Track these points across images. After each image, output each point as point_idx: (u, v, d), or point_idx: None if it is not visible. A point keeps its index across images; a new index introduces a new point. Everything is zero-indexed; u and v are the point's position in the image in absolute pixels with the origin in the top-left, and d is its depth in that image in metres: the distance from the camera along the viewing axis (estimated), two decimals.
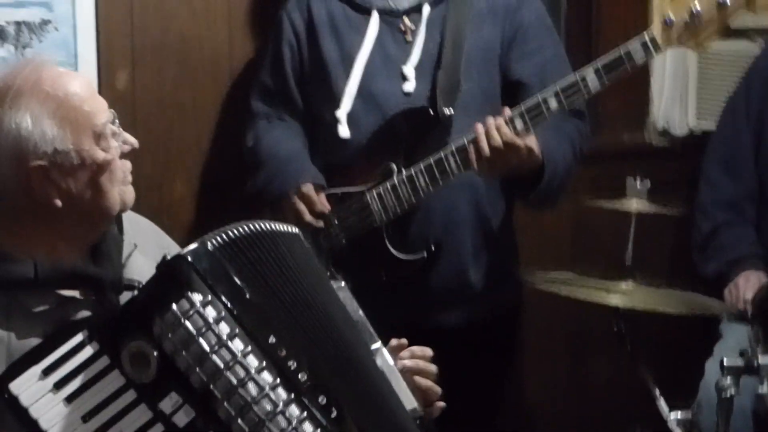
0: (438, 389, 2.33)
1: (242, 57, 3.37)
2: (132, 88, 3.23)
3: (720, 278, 3.46)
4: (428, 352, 2.35)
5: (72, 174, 2.12)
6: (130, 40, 3.22)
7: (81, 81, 2.20)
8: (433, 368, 2.34)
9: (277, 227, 2.20)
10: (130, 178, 2.23)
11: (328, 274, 2.31)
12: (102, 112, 2.17)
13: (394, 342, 2.35)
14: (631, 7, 3.62)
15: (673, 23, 2.79)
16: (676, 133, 3.89)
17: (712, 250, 3.50)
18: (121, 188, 2.19)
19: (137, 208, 2.31)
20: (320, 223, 2.98)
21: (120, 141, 2.19)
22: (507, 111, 2.85)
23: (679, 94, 3.87)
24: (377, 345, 2.29)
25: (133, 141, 2.22)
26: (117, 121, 2.21)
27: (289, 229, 2.24)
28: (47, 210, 2.13)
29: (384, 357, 2.29)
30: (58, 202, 2.11)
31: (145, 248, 2.27)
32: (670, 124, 3.89)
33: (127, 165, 2.22)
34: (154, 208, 2.66)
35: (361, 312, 2.31)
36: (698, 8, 2.76)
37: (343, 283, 2.32)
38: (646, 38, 2.80)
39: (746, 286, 3.36)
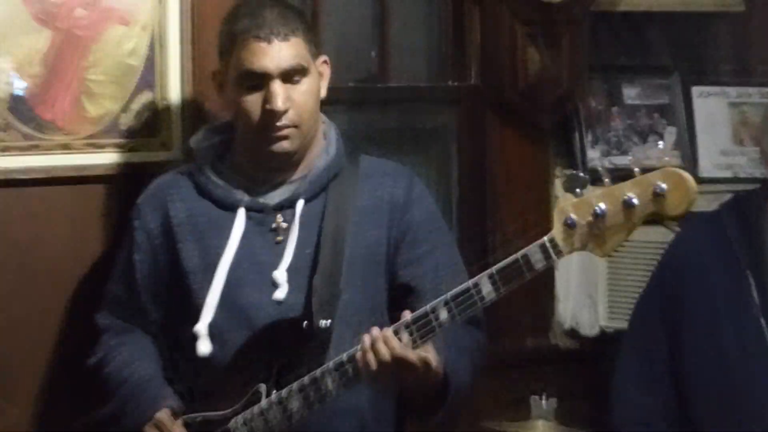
0: None
1: (85, 261, 3.36)
2: None
3: None
4: None
5: None
6: None
7: None
8: None
9: None
10: None
11: None
12: None
13: None
14: (531, 204, 3.78)
15: (576, 225, 2.76)
16: (585, 334, 3.91)
17: None
18: None
19: None
20: None
21: None
22: (407, 314, 2.79)
23: (588, 291, 3.91)
24: None
25: None
26: None
27: None
28: None
29: None
30: None
31: None
32: (579, 325, 3.94)
33: None
34: None
35: None
36: (603, 208, 2.74)
37: None
38: (546, 242, 2.76)
39: None
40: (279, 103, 2.93)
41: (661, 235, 3.60)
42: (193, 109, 3.41)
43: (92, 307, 3.16)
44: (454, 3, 3.85)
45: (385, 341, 2.77)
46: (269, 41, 2.95)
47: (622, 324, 3.73)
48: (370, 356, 2.76)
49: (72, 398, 3.21)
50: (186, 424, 2.93)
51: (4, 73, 3.20)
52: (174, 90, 3.40)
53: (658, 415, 3.47)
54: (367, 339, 2.77)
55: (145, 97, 3.36)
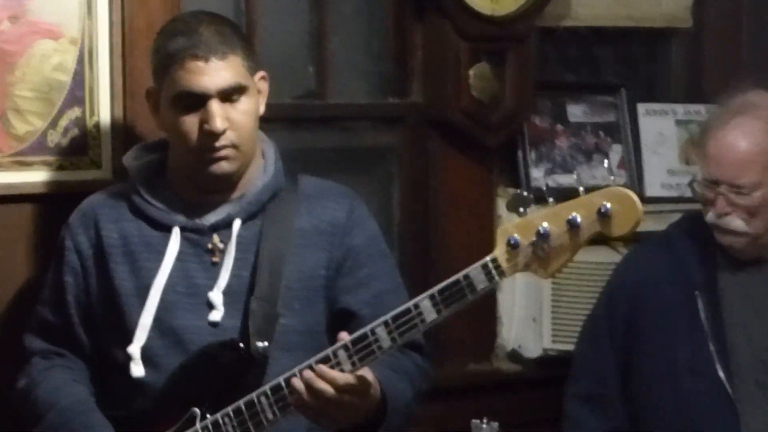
0: None
1: (12, 284, 3.35)
2: None
3: None
4: None
5: None
6: None
7: None
8: None
9: None
10: None
11: None
12: None
13: None
14: (474, 225, 3.81)
15: (519, 245, 2.77)
16: (528, 357, 3.93)
17: None
18: None
19: None
20: None
21: None
22: (344, 336, 2.79)
23: (532, 313, 3.93)
24: None
25: None
26: None
27: None
28: None
29: None
30: None
31: None
32: (522, 348, 3.94)
33: None
34: None
35: None
36: (546, 228, 2.76)
37: None
38: (489, 262, 2.76)
39: None
40: (218, 124, 2.93)
41: (607, 256, 3.66)
42: (124, 127, 3.40)
43: (19, 331, 3.16)
44: (395, 18, 3.87)
45: (322, 377, 2.75)
46: (206, 60, 2.95)
47: (567, 346, 3.78)
48: (303, 390, 2.76)
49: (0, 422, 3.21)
50: None
51: None
52: (104, 106, 3.39)
53: (602, 398, 3.53)
54: (298, 383, 2.77)
55: (73, 114, 3.34)
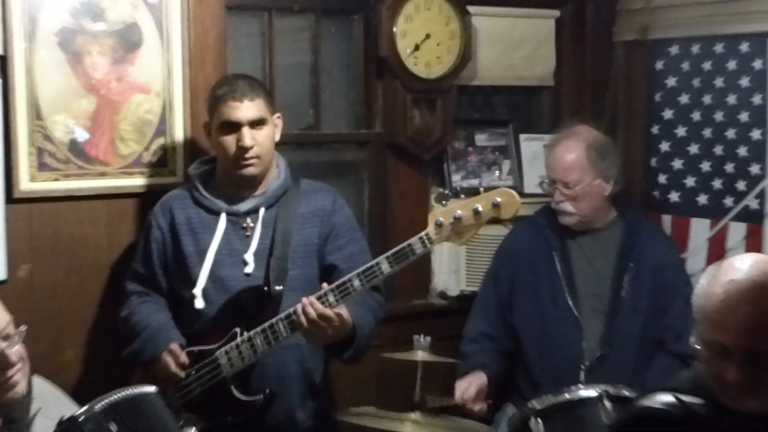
0: None
1: (118, 251, 3.32)
2: (31, 277, 3.17)
3: None
4: None
5: None
6: (29, 241, 3.17)
7: None
8: None
9: (141, 390, 2.27)
10: (16, 379, 2.24)
11: (181, 422, 2.29)
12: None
13: None
14: (415, 211, 3.73)
15: (442, 224, 2.83)
16: (451, 295, 3.89)
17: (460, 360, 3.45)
18: (8, 391, 2.22)
19: (35, 370, 2.30)
20: (182, 374, 2.89)
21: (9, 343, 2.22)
22: (325, 285, 2.83)
23: (454, 267, 3.89)
24: None
25: (14, 358, 2.23)
26: (15, 333, 2.24)
27: (149, 390, 2.27)
28: None
29: None
30: None
31: (48, 411, 2.25)
32: (447, 289, 3.89)
33: (15, 372, 2.23)
34: (48, 372, 2.54)
35: None
36: (460, 214, 2.81)
37: (193, 430, 2.28)
38: (423, 236, 2.83)
39: (471, 381, 3.33)
40: (247, 141, 2.94)
41: (499, 231, 3.63)
42: (190, 149, 3.38)
43: (121, 281, 3.17)
44: (365, 78, 3.80)
45: (312, 305, 2.79)
46: (241, 101, 2.95)
47: (476, 288, 3.73)
48: (302, 318, 2.78)
49: (110, 342, 3.17)
50: (188, 353, 2.93)
51: (65, 125, 3.18)
52: (178, 136, 3.37)
53: (488, 336, 3.51)
54: (298, 306, 2.80)
55: (159, 141, 3.33)
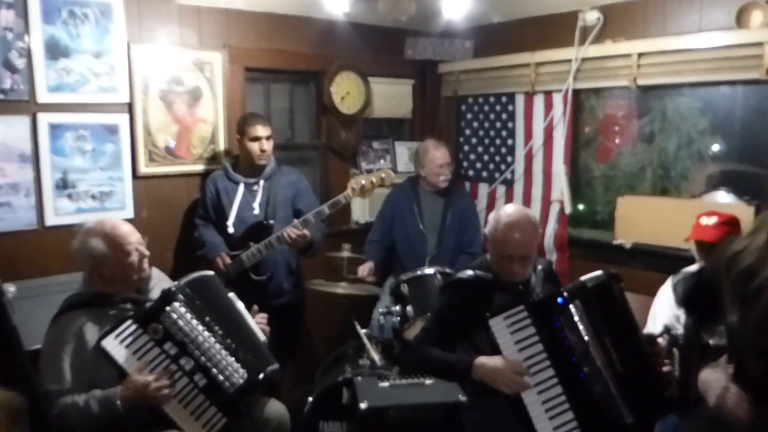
0: (267, 329, 2.23)
1: (190, 203, 3.19)
2: (148, 217, 3.08)
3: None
4: (266, 316, 2.28)
5: (112, 266, 2.07)
6: (146, 199, 3.07)
7: (124, 225, 2.11)
8: (265, 320, 2.26)
9: (208, 273, 2.17)
10: (146, 267, 2.12)
11: (228, 291, 2.25)
12: (132, 239, 2.07)
13: (255, 308, 2.28)
14: (341, 182, 3.39)
15: (355, 189, 2.81)
16: (361, 222, 3.72)
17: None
18: (139, 272, 2.11)
19: (152, 263, 2.20)
20: (226, 268, 2.86)
21: (139, 252, 2.12)
22: (295, 221, 2.80)
23: (362, 209, 3.69)
24: (248, 315, 2.22)
25: (146, 252, 2.11)
26: (143, 243, 2.11)
27: (210, 273, 2.19)
28: (112, 278, 2.08)
29: (250, 320, 2.21)
30: (107, 274, 2.04)
31: (160, 284, 2.17)
32: (359, 219, 3.74)
33: (145, 263, 2.12)
34: (157, 264, 2.36)
35: (240, 303, 2.23)
36: (364, 183, 2.82)
37: (232, 294, 2.25)
38: (346, 194, 2.82)
39: (367, 265, 3.16)
40: (265, 146, 2.89)
41: (384, 191, 3.40)
42: (228, 151, 3.23)
43: (192, 218, 3.07)
44: (316, 115, 3.63)
45: (292, 229, 2.77)
46: (263, 125, 2.89)
47: (372, 218, 3.49)
48: (286, 236, 2.76)
49: (189, 249, 3.06)
50: (229, 256, 2.87)
51: (164, 140, 3.08)
52: (221, 144, 3.25)
53: (377, 242, 3.25)
54: (284, 232, 2.77)
55: (211, 148, 3.22)
